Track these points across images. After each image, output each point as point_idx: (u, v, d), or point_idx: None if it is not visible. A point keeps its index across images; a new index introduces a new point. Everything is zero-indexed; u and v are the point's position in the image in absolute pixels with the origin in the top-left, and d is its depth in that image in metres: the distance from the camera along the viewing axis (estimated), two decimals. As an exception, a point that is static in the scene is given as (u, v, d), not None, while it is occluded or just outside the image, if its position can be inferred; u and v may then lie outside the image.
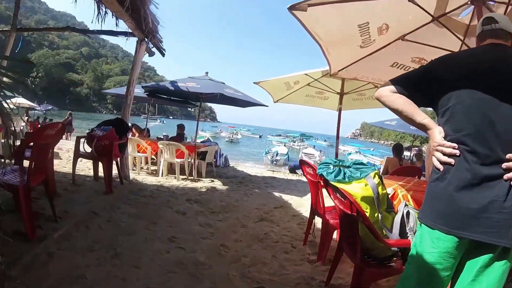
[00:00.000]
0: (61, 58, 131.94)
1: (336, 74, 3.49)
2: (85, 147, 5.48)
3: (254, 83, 5.44)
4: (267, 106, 7.74)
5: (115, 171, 5.46)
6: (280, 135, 56.66)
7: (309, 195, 6.26)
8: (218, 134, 49.86)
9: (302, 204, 5.71)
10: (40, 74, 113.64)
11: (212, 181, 7.43)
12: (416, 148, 11.00)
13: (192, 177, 7.39)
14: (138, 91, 8.63)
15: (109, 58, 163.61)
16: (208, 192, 6.07)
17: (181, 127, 9.65)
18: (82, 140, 5.43)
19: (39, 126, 17.96)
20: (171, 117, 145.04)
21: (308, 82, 5.74)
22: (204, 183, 6.92)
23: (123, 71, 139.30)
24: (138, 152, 7.95)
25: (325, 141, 47.43)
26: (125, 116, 5.90)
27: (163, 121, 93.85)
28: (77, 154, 5.32)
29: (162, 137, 9.12)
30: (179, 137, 9.22)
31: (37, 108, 25.08)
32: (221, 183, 7.12)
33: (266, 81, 5.45)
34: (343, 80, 5.34)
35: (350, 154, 30.41)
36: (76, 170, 5.30)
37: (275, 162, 20.78)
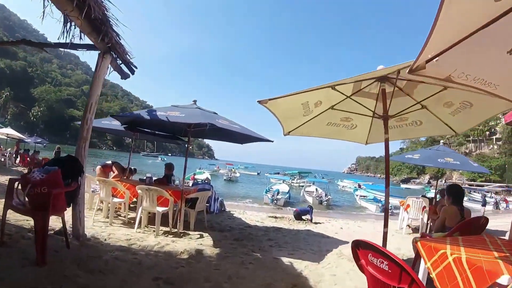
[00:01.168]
0: (63, 94, 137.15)
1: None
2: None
3: (258, 102, 3.45)
4: (272, 141, 6.21)
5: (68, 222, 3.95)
6: (278, 173, 55.41)
7: (328, 259, 4.64)
8: (216, 171, 48.86)
9: (321, 276, 4.20)
10: (42, 109, 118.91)
11: (201, 236, 5.89)
12: (445, 185, 9.77)
13: (177, 230, 5.90)
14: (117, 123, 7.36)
15: (109, 97, 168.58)
16: (191, 260, 4.40)
17: (169, 167, 8.23)
18: (16, 184, 3.88)
19: (28, 158, 18.02)
20: (169, 154, 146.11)
21: (334, 103, 4.20)
22: (190, 242, 5.36)
23: (122, 109, 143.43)
24: (115, 196, 6.54)
25: (323, 177, 46.65)
26: (80, 153, 4.45)
27: (163, 158, 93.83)
28: (8, 204, 3.73)
29: (145, 178, 7.55)
30: (166, 179, 7.78)
31: (26, 140, 25.17)
32: (212, 242, 5.53)
33: (275, 99, 3.54)
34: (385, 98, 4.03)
35: (356, 190, 28.95)
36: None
37: (275, 201, 19.30)
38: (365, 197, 24.81)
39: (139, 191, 6.06)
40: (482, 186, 54.94)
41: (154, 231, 5.67)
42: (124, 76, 5.27)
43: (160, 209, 5.81)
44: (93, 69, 4.62)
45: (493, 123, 76.53)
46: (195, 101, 6.54)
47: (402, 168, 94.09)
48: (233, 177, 41.44)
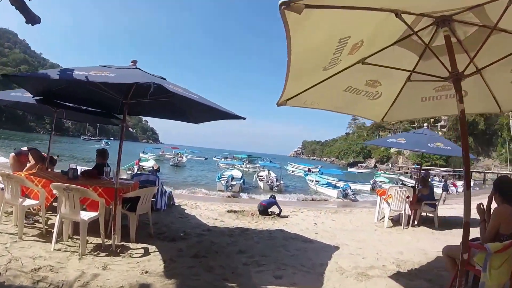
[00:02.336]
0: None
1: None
2: None
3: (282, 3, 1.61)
4: (245, 118, 4.38)
5: None
6: (227, 157, 54.65)
7: (330, 281, 3.68)
8: (162, 156, 46.62)
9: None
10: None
11: (146, 252, 4.19)
12: (423, 172, 8.93)
13: (111, 242, 4.16)
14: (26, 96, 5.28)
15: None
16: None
17: (102, 154, 6.21)
18: None
19: None
20: (112, 138, 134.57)
21: (368, 53, 2.63)
22: (130, 267, 3.63)
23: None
24: (27, 197, 4.64)
25: (270, 161, 46.53)
26: None
27: (107, 143, 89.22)
28: None
29: (67, 171, 5.46)
30: (97, 170, 5.79)
31: None
32: (162, 264, 3.83)
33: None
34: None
35: (307, 174, 28.56)
36: None
37: (230, 188, 18.15)
38: (317, 182, 24.41)
39: (54, 191, 4.14)
40: (430, 170, 58.24)
41: (79, 247, 3.86)
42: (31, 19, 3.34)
43: (87, 215, 4.02)
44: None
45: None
46: (134, 62, 4.44)
47: (349, 152, 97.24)
48: (180, 162, 39.23)
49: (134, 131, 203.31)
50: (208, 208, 9.22)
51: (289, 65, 2.08)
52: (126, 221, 4.69)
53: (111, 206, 4.29)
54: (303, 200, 17.61)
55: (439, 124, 77.32)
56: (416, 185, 8.49)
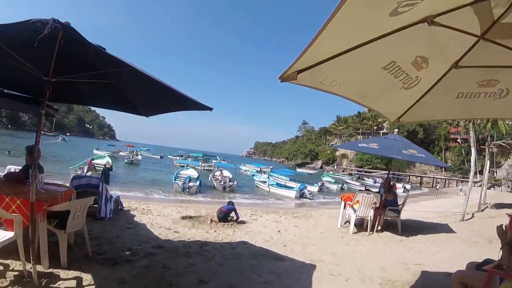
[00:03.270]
0: None
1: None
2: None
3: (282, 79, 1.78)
4: (211, 109, 3.32)
5: None
6: (182, 155, 53.46)
7: None
8: (116, 153, 44.10)
9: None
10: None
11: (78, 284, 3.18)
12: (382, 174, 8.74)
13: (32, 270, 3.08)
14: None
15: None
16: None
17: (32, 152, 4.87)
18: None
19: None
20: (68, 134, 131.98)
21: (456, 57, 2.25)
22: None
23: None
24: None
25: (223, 160, 46.20)
26: None
27: (64, 138, 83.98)
28: None
29: None
30: (26, 173, 4.47)
31: None
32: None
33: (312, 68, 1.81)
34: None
35: (253, 175, 28.39)
36: None
37: (187, 190, 17.32)
38: (271, 185, 24.17)
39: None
40: (371, 173, 61.26)
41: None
42: None
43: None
44: None
45: (380, 120, 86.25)
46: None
47: (298, 154, 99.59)
48: (135, 160, 37.68)
49: (91, 127, 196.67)
50: (161, 213, 8.22)
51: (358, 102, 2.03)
52: (56, 238, 3.60)
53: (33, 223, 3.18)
54: (259, 201, 17.28)
55: (381, 132, 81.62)
56: (380, 190, 8.22)
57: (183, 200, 14.05)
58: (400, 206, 7.99)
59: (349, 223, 7.60)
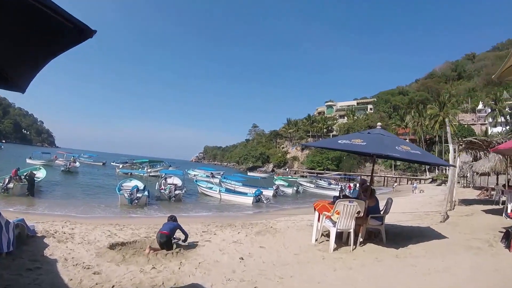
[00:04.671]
0: None
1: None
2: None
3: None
4: (92, 32, 1.68)
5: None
6: (126, 162, 49.85)
7: None
8: (52, 162, 39.61)
9: None
10: None
11: None
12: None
13: None
14: None
15: None
16: None
17: None
18: None
19: None
20: (3, 141, 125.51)
21: None
22: None
23: None
24: None
25: (170, 166, 43.60)
26: None
27: (0, 146, 77.04)
28: None
29: None
30: None
31: None
32: None
33: None
34: None
35: (197, 181, 26.08)
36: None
37: (136, 201, 15.24)
38: (210, 188, 22.92)
39: None
40: (323, 174, 61.74)
41: None
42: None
43: None
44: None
45: (330, 123, 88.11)
46: None
47: (249, 158, 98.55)
48: (72, 168, 33.70)
49: (28, 133, 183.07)
50: (86, 239, 6.44)
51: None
52: None
53: None
54: (209, 213, 15.44)
55: (331, 134, 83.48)
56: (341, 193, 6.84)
57: (116, 217, 11.83)
58: (382, 213, 6.72)
59: (324, 236, 6.16)
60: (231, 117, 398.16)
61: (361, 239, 6.23)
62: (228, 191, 22.96)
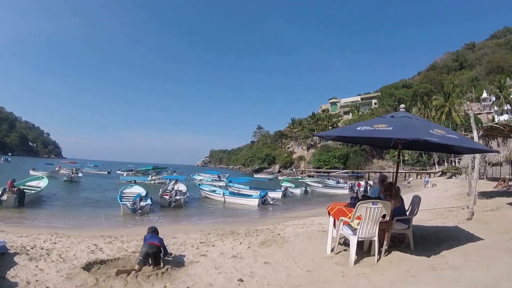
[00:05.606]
0: None
1: None
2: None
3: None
4: None
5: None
6: (131, 170, 49.37)
7: None
8: (55, 173, 38.79)
9: None
10: None
11: None
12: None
13: None
14: None
15: None
16: None
17: None
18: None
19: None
20: (10, 154, 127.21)
21: None
22: None
23: None
24: None
25: (174, 172, 43.10)
26: None
27: (7, 159, 79.07)
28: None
29: None
30: None
31: None
32: None
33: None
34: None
35: (200, 185, 25.40)
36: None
37: (140, 210, 14.42)
38: (214, 192, 22.10)
39: None
40: (330, 172, 60.39)
41: None
42: None
43: None
44: None
45: (335, 120, 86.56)
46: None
47: (255, 159, 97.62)
48: (75, 178, 32.98)
49: (35, 145, 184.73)
50: (62, 256, 5.72)
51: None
52: None
53: None
54: (212, 220, 14.46)
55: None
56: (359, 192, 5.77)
57: (106, 228, 11.03)
58: (408, 214, 5.65)
59: (341, 244, 5.11)
60: (236, 120, 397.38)
61: (386, 247, 5.16)
62: (232, 193, 22.13)
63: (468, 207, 10.03)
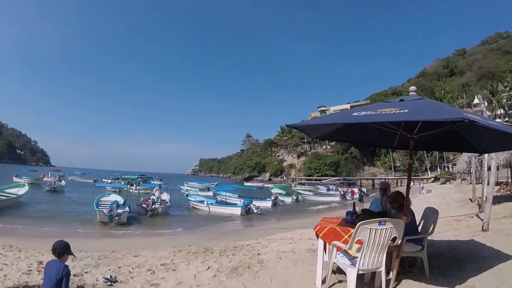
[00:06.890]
0: None
1: None
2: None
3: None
4: None
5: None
6: (118, 178, 47.48)
7: None
8: (39, 180, 37.98)
9: None
10: None
11: None
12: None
13: None
14: None
15: None
16: None
17: None
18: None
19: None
20: None
21: None
22: None
23: None
24: None
25: (160, 180, 42.08)
26: None
27: None
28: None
29: None
30: None
31: None
32: None
33: None
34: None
35: (187, 196, 24.58)
36: None
37: (117, 218, 13.70)
38: (202, 202, 21.25)
39: None
40: (321, 180, 59.35)
41: None
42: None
43: None
44: None
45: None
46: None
47: (244, 168, 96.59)
48: (58, 187, 31.53)
49: (23, 152, 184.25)
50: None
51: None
52: None
53: None
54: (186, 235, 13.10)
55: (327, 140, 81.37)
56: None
57: (93, 236, 10.21)
58: (420, 231, 4.37)
59: (335, 272, 3.80)
60: (225, 129, 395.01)
61: (394, 273, 3.81)
62: (218, 202, 21.49)
63: (477, 215, 8.89)
